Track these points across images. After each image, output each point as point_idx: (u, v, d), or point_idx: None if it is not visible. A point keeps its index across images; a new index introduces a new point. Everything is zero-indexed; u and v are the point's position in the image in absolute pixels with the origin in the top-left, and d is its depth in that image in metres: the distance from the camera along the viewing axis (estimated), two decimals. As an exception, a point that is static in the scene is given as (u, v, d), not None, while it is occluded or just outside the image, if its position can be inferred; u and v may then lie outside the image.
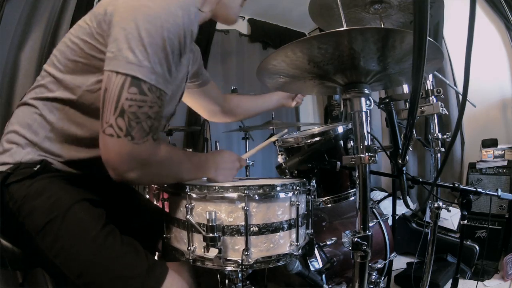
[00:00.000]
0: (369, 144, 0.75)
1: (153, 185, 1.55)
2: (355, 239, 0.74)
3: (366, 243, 0.74)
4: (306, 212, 0.89)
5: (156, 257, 1.04)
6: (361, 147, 0.75)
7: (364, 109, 0.75)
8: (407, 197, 1.38)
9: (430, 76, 1.22)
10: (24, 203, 0.71)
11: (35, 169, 0.73)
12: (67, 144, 0.79)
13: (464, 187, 0.99)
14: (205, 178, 0.91)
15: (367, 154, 0.74)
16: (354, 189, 1.20)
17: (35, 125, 0.77)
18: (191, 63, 1.03)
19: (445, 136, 1.21)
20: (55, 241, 0.70)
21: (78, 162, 0.80)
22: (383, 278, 1.46)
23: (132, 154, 0.64)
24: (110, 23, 0.66)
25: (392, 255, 1.43)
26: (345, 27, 0.70)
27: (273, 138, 1.20)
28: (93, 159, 0.80)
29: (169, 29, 0.64)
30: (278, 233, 0.78)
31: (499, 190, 1.00)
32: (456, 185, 0.99)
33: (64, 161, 0.79)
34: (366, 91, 0.77)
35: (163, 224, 0.89)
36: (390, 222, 1.53)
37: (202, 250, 0.74)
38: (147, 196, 1.61)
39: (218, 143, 2.15)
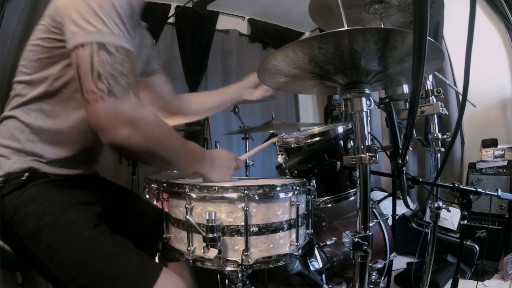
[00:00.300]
0: (370, 144, 0.75)
1: (152, 185, 1.55)
2: (356, 239, 0.74)
3: (366, 243, 0.74)
4: (306, 212, 0.89)
5: (156, 258, 1.04)
6: (362, 147, 0.75)
7: (364, 109, 0.75)
8: (407, 197, 1.38)
9: (430, 76, 1.22)
10: (17, 212, 0.73)
11: (24, 178, 0.75)
12: (49, 143, 0.80)
13: (464, 187, 0.99)
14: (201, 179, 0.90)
15: (368, 154, 0.74)
16: (354, 189, 1.20)
17: (16, 133, 0.79)
18: (142, 42, 0.97)
19: (445, 136, 1.21)
20: (48, 247, 0.71)
21: (63, 160, 0.82)
22: (383, 278, 1.46)
23: (118, 111, 0.66)
24: (62, 13, 0.69)
25: (392, 255, 1.43)
26: (346, 27, 0.70)
27: (274, 139, 1.19)
28: (76, 157, 0.82)
29: None
30: (278, 233, 0.78)
31: (499, 190, 1.00)
32: (456, 185, 0.99)
33: (49, 161, 0.80)
34: (367, 91, 0.77)
35: (162, 224, 0.89)
36: (390, 222, 1.53)
37: (202, 250, 0.74)
38: (147, 197, 1.61)
39: (218, 144, 2.15)
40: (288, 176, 1.07)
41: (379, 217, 1.43)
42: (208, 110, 1.28)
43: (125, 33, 0.68)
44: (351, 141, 1.19)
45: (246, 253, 0.74)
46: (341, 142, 1.17)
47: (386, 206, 2.28)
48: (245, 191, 0.73)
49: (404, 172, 0.92)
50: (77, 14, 0.66)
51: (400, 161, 0.80)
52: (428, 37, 0.53)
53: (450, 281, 1.17)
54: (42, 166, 0.79)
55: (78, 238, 0.72)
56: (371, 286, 1.24)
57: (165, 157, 0.76)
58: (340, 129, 1.17)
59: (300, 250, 0.82)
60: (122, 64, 0.67)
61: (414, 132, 1.00)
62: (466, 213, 1.00)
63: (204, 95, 1.31)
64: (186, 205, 0.76)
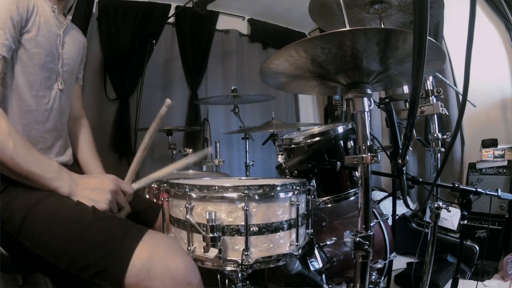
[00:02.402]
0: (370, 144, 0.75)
1: (153, 185, 1.55)
2: (357, 239, 0.74)
3: (368, 242, 0.74)
4: (306, 212, 0.89)
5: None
6: (364, 147, 0.75)
7: (366, 109, 0.75)
8: (407, 197, 1.38)
9: (430, 76, 1.23)
10: (3, 212, 0.75)
11: (5, 181, 0.77)
12: None
13: (464, 187, 0.99)
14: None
15: (369, 154, 0.74)
16: (354, 189, 1.20)
17: None
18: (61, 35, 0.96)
19: (445, 136, 1.21)
20: (33, 232, 0.73)
21: None
22: (383, 278, 1.46)
23: None
24: None
25: (392, 255, 1.43)
26: (348, 27, 0.70)
27: (181, 163, 0.94)
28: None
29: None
30: (278, 233, 0.78)
31: (499, 190, 1.00)
32: (456, 185, 0.99)
33: None
34: (369, 91, 0.77)
35: (155, 209, 0.88)
36: (390, 222, 1.53)
37: (202, 250, 0.74)
38: (147, 196, 1.61)
39: (218, 144, 2.15)
40: (288, 176, 1.07)
41: (379, 217, 1.43)
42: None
43: None
44: (351, 141, 1.19)
45: (246, 253, 0.74)
46: (341, 142, 1.18)
47: (386, 206, 2.27)
48: (245, 191, 0.74)
49: (404, 172, 0.92)
50: None
51: (400, 161, 0.80)
52: (428, 37, 0.53)
53: (450, 281, 1.17)
54: None
55: (59, 216, 0.73)
56: (371, 286, 1.24)
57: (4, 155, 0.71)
58: (340, 129, 1.17)
59: (300, 250, 0.82)
60: None
61: (414, 132, 1.00)
62: (466, 213, 1.00)
63: (87, 154, 1.17)
64: (186, 205, 0.76)
